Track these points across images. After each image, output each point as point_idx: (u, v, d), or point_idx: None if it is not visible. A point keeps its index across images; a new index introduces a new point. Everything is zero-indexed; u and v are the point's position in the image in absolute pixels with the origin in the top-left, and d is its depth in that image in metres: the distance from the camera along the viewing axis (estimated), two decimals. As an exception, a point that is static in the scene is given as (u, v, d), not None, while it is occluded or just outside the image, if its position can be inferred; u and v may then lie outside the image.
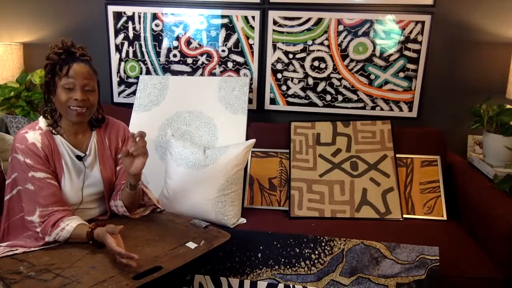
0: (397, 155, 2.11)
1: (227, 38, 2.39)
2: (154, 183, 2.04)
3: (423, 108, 2.35)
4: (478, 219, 1.82)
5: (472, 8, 2.23)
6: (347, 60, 2.33)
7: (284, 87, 2.42)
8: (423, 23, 2.23)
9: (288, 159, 2.14)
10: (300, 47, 2.35)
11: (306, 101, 2.42)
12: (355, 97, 2.37)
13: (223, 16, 2.36)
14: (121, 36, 2.46)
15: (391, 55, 2.30)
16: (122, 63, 2.50)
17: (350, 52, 2.32)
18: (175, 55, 2.45)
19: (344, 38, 2.31)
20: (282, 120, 2.40)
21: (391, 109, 2.36)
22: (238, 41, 2.39)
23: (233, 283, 1.64)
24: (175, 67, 2.46)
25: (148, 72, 2.49)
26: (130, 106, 2.32)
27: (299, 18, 2.32)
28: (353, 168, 2.08)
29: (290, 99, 2.43)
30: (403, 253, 1.58)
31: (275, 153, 2.19)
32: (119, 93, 2.54)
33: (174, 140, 2.00)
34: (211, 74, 2.45)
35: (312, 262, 1.62)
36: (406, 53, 2.29)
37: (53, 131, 1.47)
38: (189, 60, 2.45)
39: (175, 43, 2.43)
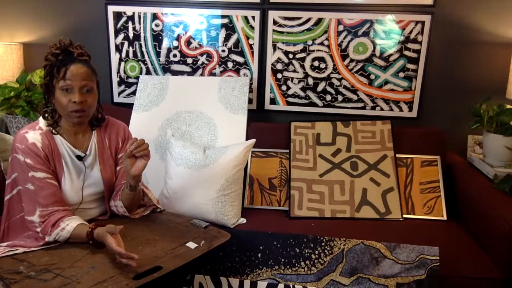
0: (397, 155, 2.11)
1: (227, 38, 2.39)
2: (154, 183, 2.04)
3: (423, 108, 2.35)
4: (478, 219, 1.82)
5: (472, 8, 2.23)
6: (347, 60, 2.33)
7: (284, 87, 2.42)
8: (423, 23, 2.23)
9: (288, 159, 2.14)
10: (300, 47, 2.35)
11: (306, 101, 2.42)
12: (355, 97, 2.37)
13: (223, 16, 2.36)
14: (121, 36, 2.46)
15: (391, 55, 2.30)
16: (122, 63, 2.50)
17: (350, 52, 2.32)
18: (175, 55, 2.45)
19: (344, 38, 2.31)
20: (282, 120, 2.40)
21: (391, 109, 2.36)
22: (238, 41, 2.39)
23: (233, 283, 1.64)
24: (175, 67, 2.46)
25: (148, 72, 2.49)
26: (130, 106, 2.32)
27: (299, 18, 2.32)
28: (353, 168, 2.08)
29: (290, 99, 2.43)
30: (403, 253, 1.58)
31: (275, 153, 2.19)
32: (119, 93, 2.54)
33: (174, 140, 2.00)
34: (211, 74, 2.45)
35: (312, 262, 1.62)
36: (406, 53, 2.29)
37: (53, 131, 1.47)
38: (189, 60, 2.45)
39: (175, 43, 2.43)
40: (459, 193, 2.04)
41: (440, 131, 2.19)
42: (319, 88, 2.39)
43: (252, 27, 2.36)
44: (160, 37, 2.43)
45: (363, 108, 2.38)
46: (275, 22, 2.34)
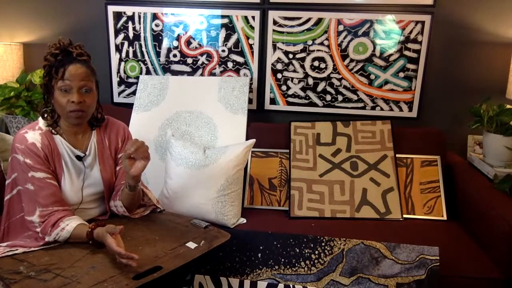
0: (397, 155, 2.11)
1: (227, 38, 2.39)
2: (154, 183, 2.04)
3: (423, 108, 2.35)
4: (478, 219, 1.82)
5: (472, 8, 2.23)
6: (347, 60, 2.33)
7: (284, 87, 2.42)
8: (423, 23, 2.23)
9: (288, 159, 2.14)
10: (300, 47, 2.35)
11: (306, 101, 2.42)
12: (355, 97, 2.37)
13: (223, 16, 2.36)
14: (121, 36, 2.46)
15: (391, 55, 2.30)
16: (122, 63, 2.50)
17: (350, 52, 2.32)
18: (175, 55, 2.45)
19: (344, 38, 2.31)
20: (282, 120, 2.40)
21: (391, 109, 2.36)
22: (238, 41, 2.39)
23: (233, 283, 1.64)
24: (175, 67, 2.46)
25: (148, 72, 2.49)
26: (130, 106, 2.32)
27: (299, 18, 2.32)
28: (353, 168, 2.08)
29: (290, 99, 2.43)
30: (403, 253, 1.58)
31: (275, 153, 2.19)
32: (119, 93, 2.54)
33: (174, 140, 2.00)
34: (211, 74, 2.45)
35: (312, 262, 1.62)
36: (406, 53, 2.29)
37: (53, 131, 1.47)
38: (189, 60, 2.45)
39: (175, 43, 2.43)
40: (459, 193, 2.04)
41: (440, 131, 2.19)
42: (319, 88, 2.39)
43: (252, 27, 2.36)
44: (160, 37, 2.43)
45: (363, 108, 2.38)
46: (275, 22, 2.34)
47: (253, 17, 2.34)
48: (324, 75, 2.37)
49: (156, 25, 2.42)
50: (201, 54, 2.43)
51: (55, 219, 1.35)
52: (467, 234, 1.85)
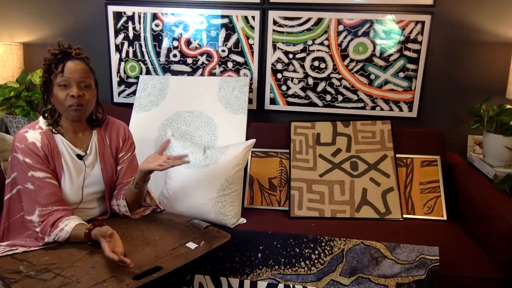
0: (397, 155, 2.11)
1: (227, 38, 2.39)
2: (154, 183, 2.02)
3: (423, 108, 2.35)
4: (478, 219, 1.82)
5: (472, 8, 2.23)
6: (347, 60, 2.33)
7: (284, 87, 2.42)
8: (423, 23, 2.24)
9: (288, 159, 2.14)
10: (300, 47, 2.35)
11: (306, 101, 2.42)
12: (355, 97, 2.37)
13: (223, 16, 2.37)
14: (121, 36, 2.46)
15: (391, 55, 2.30)
16: (122, 63, 2.50)
17: (350, 52, 2.32)
18: (175, 55, 2.45)
19: (344, 38, 2.31)
20: (282, 120, 2.40)
21: (391, 109, 2.36)
22: (238, 41, 2.39)
23: (233, 283, 1.64)
24: (175, 67, 2.46)
25: (148, 72, 2.49)
26: (130, 106, 2.32)
27: (299, 18, 2.32)
28: (353, 168, 2.08)
29: (290, 99, 2.43)
30: (403, 253, 1.58)
31: (275, 153, 2.19)
32: (119, 93, 2.54)
33: (174, 140, 2.00)
34: (211, 74, 2.45)
35: (312, 262, 1.62)
36: (406, 53, 2.29)
37: (53, 130, 1.47)
38: (189, 60, 2.45)
39: (175, 43, 2.43)
40: (459, 193, 2.04)
41: (440, 131, 2.19)
42: (319, 88, 2.39)
43: (252, 27, 2.36)
44: (160, 37, 2.43)
45: (363, 108, 2.38)
46: (275, 22, 2.34)
47: (253, 17, 2.34)
48: (324, 75, 2.37)
49: (156, 25, 2.42)
50: (201, 54, 2.43)
51: (54, 219, 1.35)
52: (467, 234, 1.85)
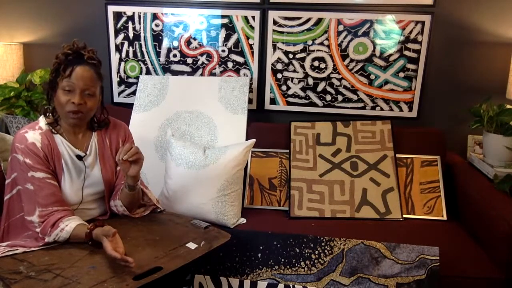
0: (397, 155, 2.11)
1: (227, 38, 2.39)
2: (154, 183, 2.04)
3: (423, 108, 2.35)
4: (478, 219, 1.82)
5: (472, 8, 2.23)
6: (347, 60, 2.33)
7: (284, 87, 2.42)
8: (423, 23, 2.23)
9: (288, 159, 2.14)
10: (300, 47, 2.35)
11: (306, 101, 2.42)
12: (355, 97, 2.37)
13: (223, 16, 2.36)
14: (121, 36, 2.46)
15: (391, 55, 2.30)
16: (122, 63, 2.50)
17: (350, 52, 2.32)
18: (175, 55, 2.45)
19: (344, 38, 2.31)
20: (282, 120, 2.40)
21: (391, 109, 2.36)
22: (238, 41, 2.39)
23: (233, 283, 1.64)
24: (175, 67, 2.46)
25: (148, 72, 2.49)
26: (130, 106, 2.31)
27: (299, 18, 2.32)
28: (353, 168, 2.08)
29: (290, 99, 2.43)
30: (403, 253, 1.58)
31: (275, 153, 2.19)
32: (119, 93, 2.54)
33: (174, 140, 2.00)
34: (211, 74, 2.45)
35: (312, 262, 1.62)
36: (406, 53, 2.29)
37: (53, 130, 1.47)
38: (189, 60, 2.45)
39: (175, 43, 2.43)
40: (459, 193, 2.04)
41: (440, 131, 2.19)
42: (319, 88, 2.39)
43: (252, 27, 2.36)
44: (160, 37, 2.43)
45: (363, 108, 2.38)
46: (275, 22, 2.34)
47: (253, 17, 2.34)
48: (324, 75, 2.37)
49: (156, 25, 2.42)
50: (201, 54, 2.43)
51: (54, 219, 1.35)
52: (467, 234, 1.85)
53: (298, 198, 2.03)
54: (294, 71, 2.38)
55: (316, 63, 2.36)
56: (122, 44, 2.47)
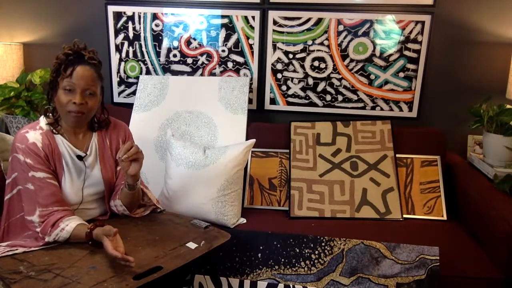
0: (397, 155, 2.11)
1: (227, 38, 2.39)
2: (154, 183, 2.04)
3: (423, 108, 2.35)
4: (478, 219, 1.82)
5: (472, 8, 2.23)
6: (347, 60, 2.33)
7: (284, 87, 2.42)
8: (423, 23, 2.23)
9: (288, 159, 2.14)
10: (300, 47, 2.35)
11: (306, 101, 2.42)
12: (355, 97, 2.37)
13: (223, 16, 2.36)
14: (121, 36, 2.46)
15: (391, 55, 2.30)
16: (122, 63, 2.50)
17: (350, 52, 2.32)
18: (175, 55, 2.45)
19: (344, 38, 2.31)
20: (282, 120, 2.40)
21: (391, 109, 2.36)
22: (238, 41, 2.39)
23: (233, 283, 1.64)
24: (175, 67, 2.46)
25: (148, 72, 2.49)
26: (130, 106, 2.31)
27: (299, 18, 2.32)
28: (353, 168, 2.08)
29: (290, 99, 2.43)
30: (403, 253, 1.58)
31: (275, 153, 2.19)
32: (119, 93, 2.54)
33: (174, 140, 2.00)
34: (211, 74, 2.45)
35: (312, 262, 1.62)
36: (406, 53, 2.29)
37: (54, 130, 1.47)
38: (189, 60, 2.45)
39: (175, 43, 2.43)
40: (459, 193, 2.04)
41: (440, 131, 2.19)
42: (319, 88, 2.39)
43: (252, 27, 2.36)
44: (160, 37, 2.43)
45: (363, 108, 2.38)
46: (275, 22, 2.34)
47: (253, 17, 2.34)
48: (324, 75, 2.37)
49: (156, 25, 2.42)
50: (201, 54, 2.43)
51: (54, 219, 1.35)
52: (467, 234, 1.85)
53: (298, 198, 2.03)
54: (294, 71, 2.39)
55: (316, 63, 2.36)
56: (122, 44, 2.47)
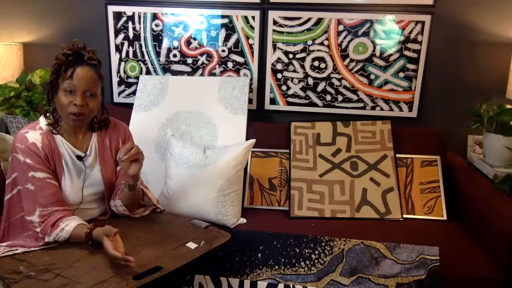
0: (397, 155, 2.11)
1: (227, 38, 2.39)
2: (154, 183, 2.04)
3: (423, 108, 2.35)
4: (478, 219, 1.82)
5: (472, 8, 2.23)
6: (347, 60, 2.33)
7: (284, 87, 2.42)
8: (423, 23, 2.23)
9: (288, 159, 2.14)
10: (300, 47, 2.35)
11: (306, 101, 2.42)
12: (355, 97, 2.37)
13: (223, 16, 2.36)
14: (121, 36, 2.46)
15: (391, 55, 2.30)
16: (122, 63, 2.50)
17: (350, 52, 2.32)
18: (175, 55, 2.45)
19: (344, 38, 2.31)
20: (282, 120, 2.40)
21: (391, 109, 2.36)
22: (238, 41, 2.39)
23: (233, 283, 1.64)
24: (175, 67, 2.46)
25: (148, 72, 2.49)
26: (130, 106, 2.31)
27: (299, 18, 2.32)
28: (353, 168, 2.08)
29: (290, 99, 2.43)
30: (403, 253, 1.58)
31: (275, 153, 2.19)
32: (119, 93, 2.54)
33: (174, 140, 2.00)
34: (211, 74, 2.45)
35: (312, 262, 1.62)
36: (406, 53, 2.29)
37: (53, 130, 1.47)
38: (189, 60, 2.45)
39: (175, 43, 2.43)
40: (459, 193, 2.04)
41: (440, 131, 2.19)
42: (319, 88, 2.39)
43: (252, 27, 2.36)
44: (160, 37, 2.43)
45: (363, 108, 2.38)
46: (275, 22, 2.34)
47: (253, 17, 2.34)
48: (324, 75, 2.37)
49: (156, 25, 2.42)
50: (201, 54, 2.43)
51: (54, 219, 1.35)
52: (467, 234, 1.85)
53: (298, 198, 2.03)
54: (294, 71, 2.39)
55: (316, 63, 2.36)
56: (122, 44, 2.47)
